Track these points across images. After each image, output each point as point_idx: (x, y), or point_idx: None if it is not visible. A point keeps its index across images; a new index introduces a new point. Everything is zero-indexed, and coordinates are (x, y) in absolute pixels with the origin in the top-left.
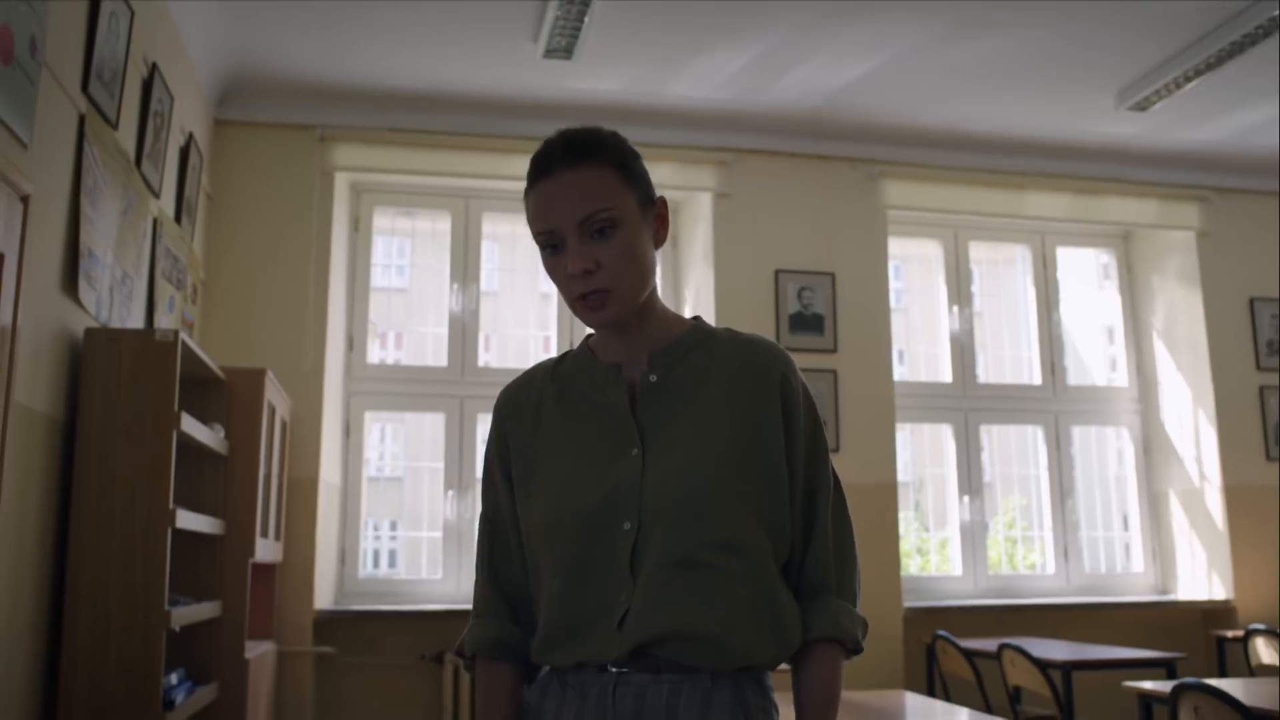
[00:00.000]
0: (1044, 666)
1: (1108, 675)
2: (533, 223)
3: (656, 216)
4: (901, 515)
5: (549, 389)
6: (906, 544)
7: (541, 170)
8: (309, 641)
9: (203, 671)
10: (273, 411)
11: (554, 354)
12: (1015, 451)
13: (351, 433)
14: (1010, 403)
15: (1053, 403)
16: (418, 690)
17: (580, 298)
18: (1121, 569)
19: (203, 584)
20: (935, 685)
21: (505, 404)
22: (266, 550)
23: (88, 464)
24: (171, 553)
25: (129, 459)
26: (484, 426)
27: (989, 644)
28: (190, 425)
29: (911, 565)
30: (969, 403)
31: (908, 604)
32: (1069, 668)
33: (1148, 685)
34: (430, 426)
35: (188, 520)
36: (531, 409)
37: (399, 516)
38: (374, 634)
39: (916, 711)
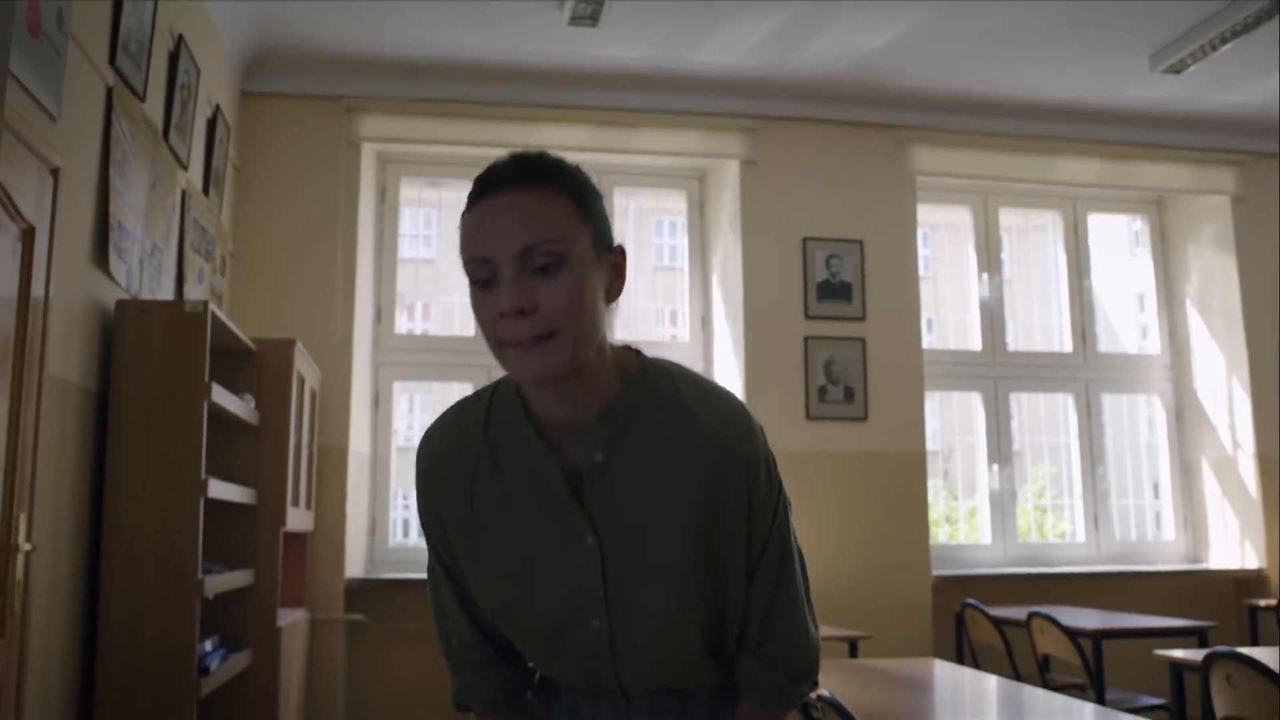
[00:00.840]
0: (1074, 635)
1: (1138, 644)
2: (463, 249)
3: (612, 266)
4: (930, 484)
5: (483, 460)
6: (935, 512)
7: (482, 189)
8: (340, 609)
9: (236, 639)
10: (302, 382)
11: None
12: (1045, 419)
13: (380, 403)
14: (1040, 370)
15: (1083, 370)
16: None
17: (508, 344)
18: (1152, 537)
19: (235, 553)
20: (964, 653)
21: (434, 471)
22: (298, 519)
23: (120, 435)
24: (204, 522)
25: (161, 429)
26: None
27: (1018, 612)
28: (221, 396)
29: (940, 534)
30: (998, 371)
31: (936, 572)
32: (1099, 636)
33: (1178, 654)
34: (458, 396)
35: (220, 490)
36: (465, 484)
37: None
38: (405, 602)
39: (945, 679)
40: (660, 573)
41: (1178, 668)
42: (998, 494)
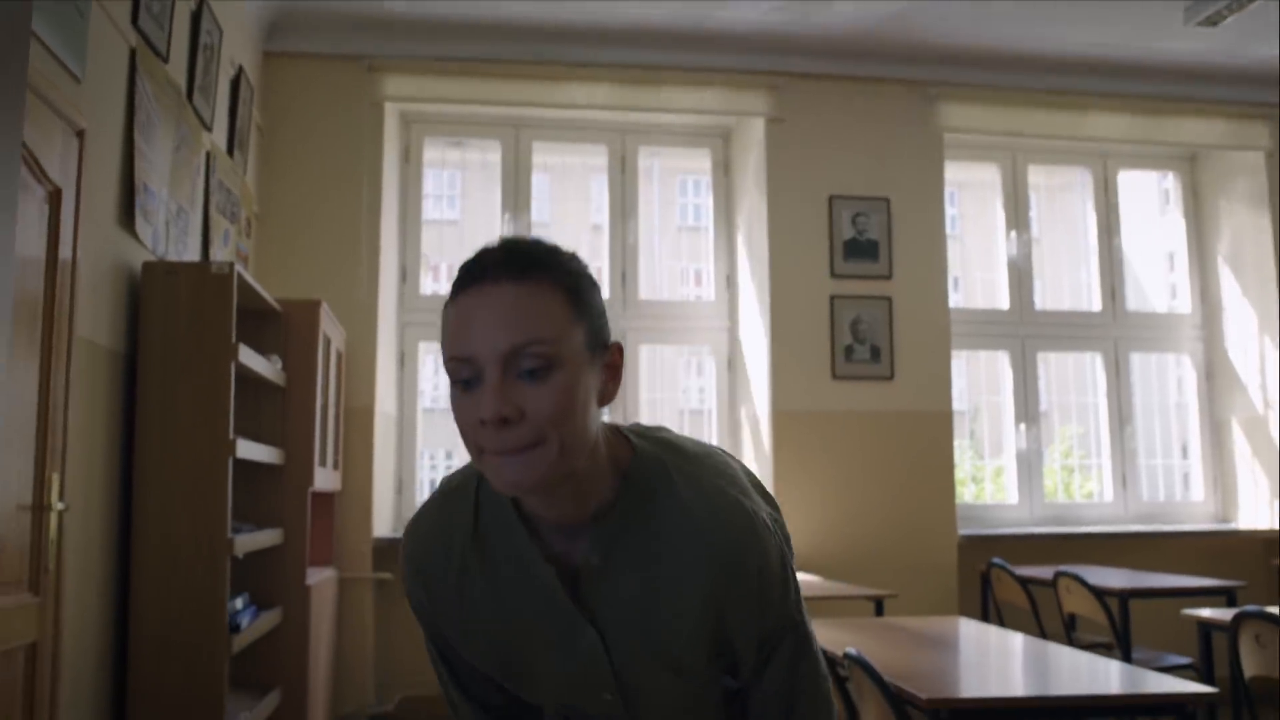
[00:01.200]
0: (1100, 594)
1: (1166, 603)
2: (446, 344)
3: (607, 365)
4: (956, 444)
5: (471, 558)
6: (961, 472)
7: (469, 279)
8: (369, 568)
9: (266, 597)
10: (328, 342)
11: (604, 291)
12: (1073, 379)
13: (406, 363)
14: (1069, 330)
15: (1112, 329)
16: None
17: (491, 453)
18: (1181, 498)
19: (264, 512)
20: (989, 613)
21: (421, 562)
22: (325, 479)
23: (149, 396)
24: (233, 482)
25: (189, 390)
26: None
27: (1045, 571)
28: (248, 356)
29: (966, 494)
30: (1026, 329)
31: (962, 532)
32: (1126, 595)
33: (1206, 613)
34: None
35: (248, 450)
36: (454, 578)
37: (454, 447)
38: None
39: (971, 637)
40: (669, 669)
41: (1206, 627)
42: (1024, 454)
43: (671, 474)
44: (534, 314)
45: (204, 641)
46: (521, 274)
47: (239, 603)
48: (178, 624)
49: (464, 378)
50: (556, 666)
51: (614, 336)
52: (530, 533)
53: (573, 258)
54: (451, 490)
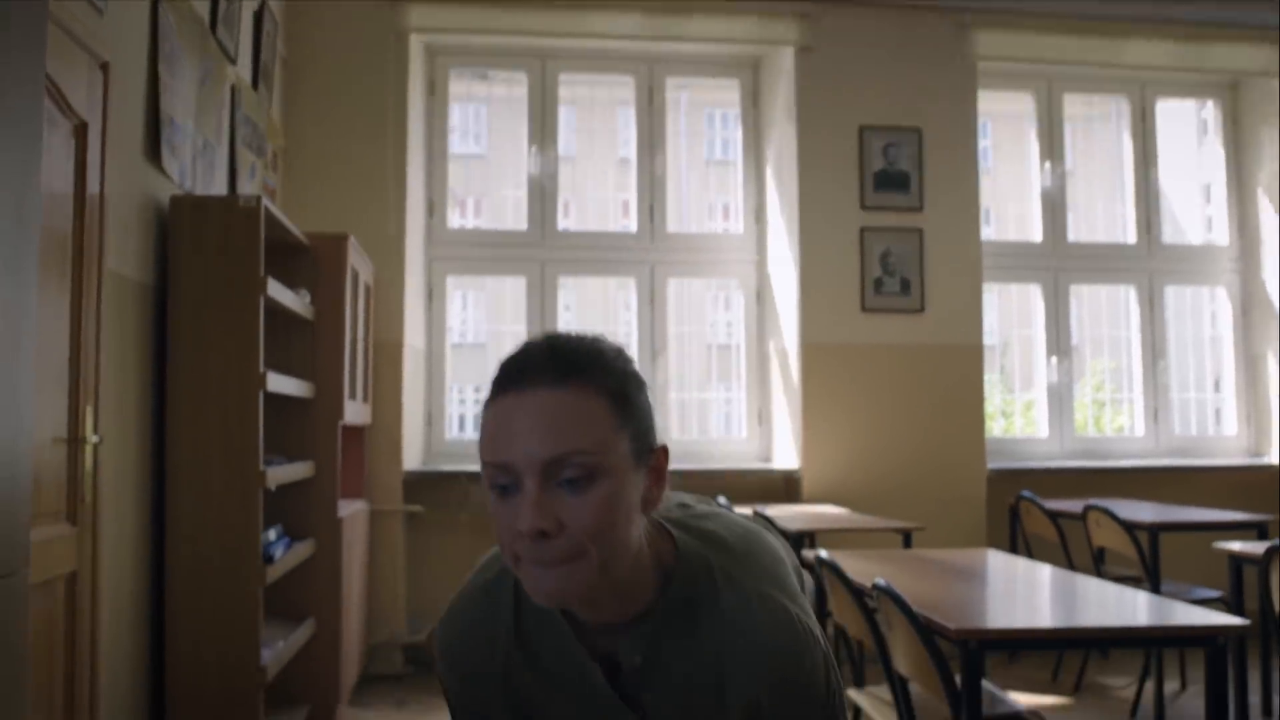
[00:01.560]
0: (1130, 528)
1: (1196, 538)
2: (484, 448)
3: (651, 469)
4: (986, 378)
5: (515, 656)
6: (991, 406)
7: (509, 381)
8: (399, 501)
9: (299, 529)
10: (356, 276)
11: (631, 224)
12: (1106, 312)
13: (434, 297)
14: (1102, 262)
15: (1147, 261)
16: None
17: (528, 561)
18: (1213, 433)
19: (295, 446)
20: (1018, 546)
21: (461, 659)
22: (355, 412)
23: (179, 329)
24: (264, 415)
25: (219, 324)
26: (565, 290)
27: (1074, 505)
28: (276, 290)
29: (995, 428)
30: (1059, 262)
31: (992, 465)
32: (1156, 529)
33: (1237, 546)
34: (511, 291)
35: (278, 384)
36: (498, 674)
37: (482, 382)
38: (461, 494)
39: (999, 568)
40: None
41: (1237, 561)
42: (1055, 387)
43: (715, 575)
44: (576, 423)
45: (238, 571)
46: (564, 379)
47: (272, 534)
48: (212, 555)
49: (501, 484)
50: None
51: (645, 275)
52: (574, 630)
53: (618, 355)
54: (489, 585)
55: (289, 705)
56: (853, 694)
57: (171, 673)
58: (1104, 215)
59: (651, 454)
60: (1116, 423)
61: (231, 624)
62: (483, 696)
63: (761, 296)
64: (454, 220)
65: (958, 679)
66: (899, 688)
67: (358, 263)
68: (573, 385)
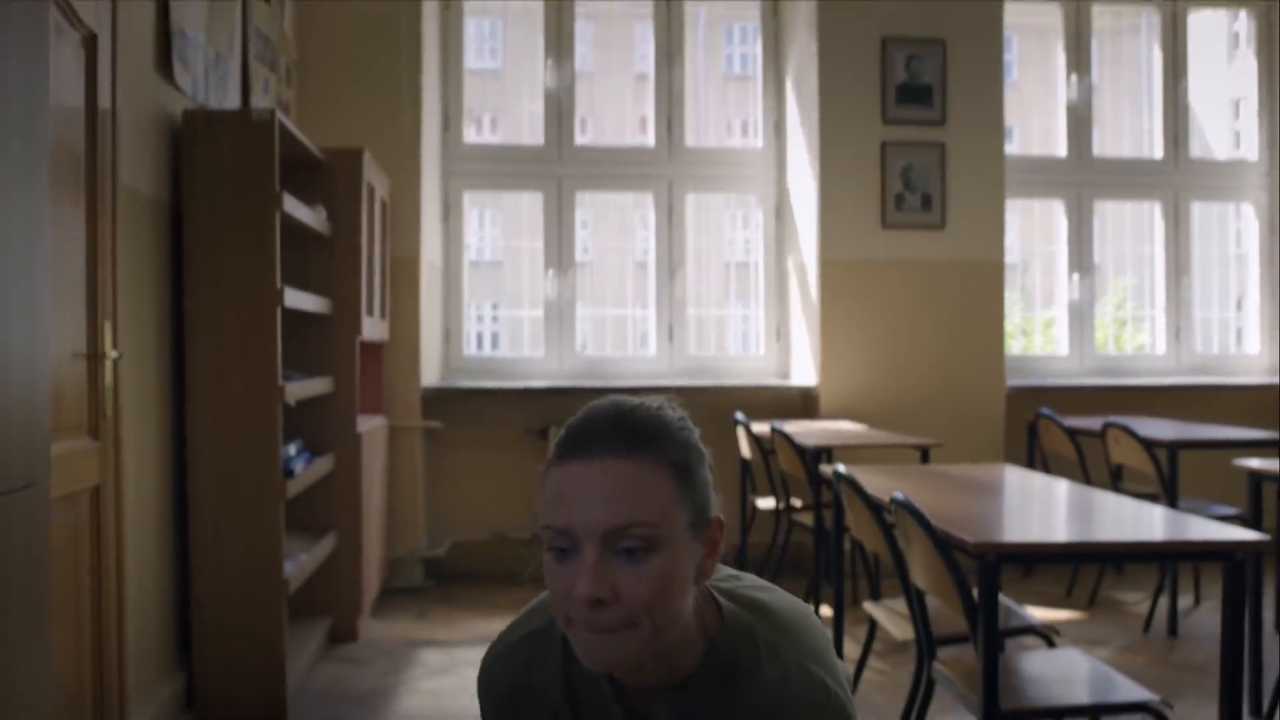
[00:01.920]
0: (1149, 445)
1: (1215, 456)
2: (545, 511)
3: (707, 540)
4: (1006, 295)
5: (564, 709)
6: (1010, 324)
7: (575, 448)
8: (418, 416)
9: (319, 444)
10: (372, 192)
11: (649, 139)
12: (1130, 229)
13: (451, 213)
14: (1128, 177)
15: (1174, 177)
16: (523, 462)
17: (578, 625)
18: (1235, 351)
19: (314, 362)
20: (1035, 463)
21: (505, 704)
22: (373, 329)
23: (195, 245)
24: (282, 332)
25: (235, 239)
26: (583, 207)
27: (1093, 423)
28: (292, 206)
29: (1015, 346)
30: (1083, 177)
31: (1011, 383)
32: (1175, 446)
33: (1256, 463)
34: (528, 207)
35: (295, 299)
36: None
37: (499, 299)
38: (479, 410)
39: (1015, 483)
40: None
41: (1256, 478)
42: (1076, 305)
43: (759, 644)
44: (638, 495)
45: (260, 485)
46: (630, 451)
47: (292, 449)
48: (234, 469)
49: (560, 546)
50: None
51: (663, 191)
52: (614, 693)
53: (682, 427)
54: (540, 634)
55: (312, 617)
56: (868, 607)
57: (196, 585)
58: (1130, 130)
59: (708, 526)
60: (1137, 341)
61: (254, 537)
62: None
63: (780, 212)
64: (470, 136)
65: (975, 593)
66: (915, 601)
67: (373, 178)
68: (637, 457)
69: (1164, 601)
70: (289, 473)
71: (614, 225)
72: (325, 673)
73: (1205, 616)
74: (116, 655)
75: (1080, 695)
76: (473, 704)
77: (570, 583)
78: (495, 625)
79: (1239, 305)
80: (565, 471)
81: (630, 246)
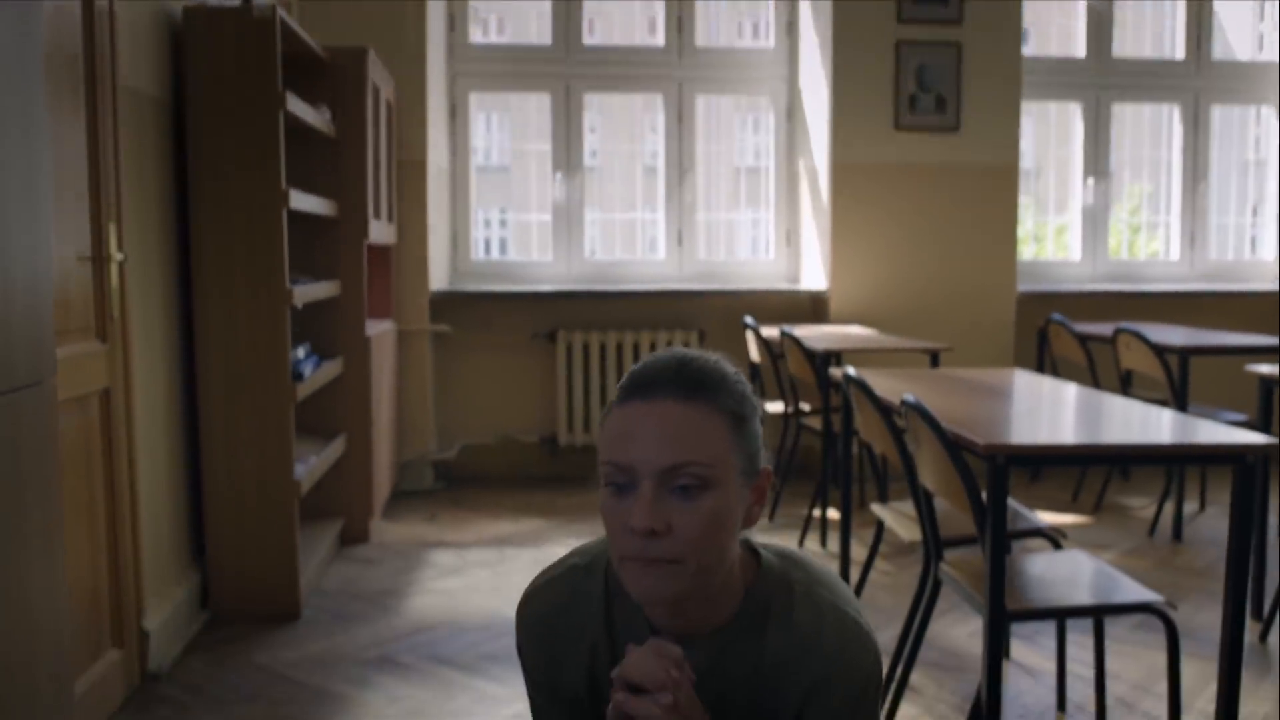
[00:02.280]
0: (1160, 351)
1: (1227, 363)
2: (605, 447)
3: (755, 488)
4: (1020, 201)
5: (602, 643)
6: (1022, 231)
7: (639, 389)
8: (426, 321)
9: (328, 348)
10: (377, 93)
11: (658, 39)
12: (1148, 133)
13: (457, 115)
14: (1147, 79)
15: (1194, 79)
16: (532, 366)
17: (632, 559)
18: (1249, 258)
19: (321, 265)
20: (1045, 369)
21: (550, 633)
22: (380, 232)
23: (198, 145)
24: (289, 235)
25: (238, 140)
26: (591, 110)
27: (1104, 329)
28: (295, 105)
29: (1027, 252)
30: (1101, 79)
31: (1022, 288)
32: (1186, 353)
33: (1267, 368)
34: (536, 110)
35: (301, 201)
36: (585, 658)
37: (507, 204)
38: (488, 314)
39: (1025, 387)
40: None
41: (1267, 383)
42: (1090, 209)
43: (794, 589)
44: (695, 437)
45: (269, 388)
46: (690, 395)
47: (300, 352)
48: (243, 372)
49: (618, 483)
50: None
51: (673, 92)
52: (654, 634)
53: (738, 379)
54: (583, 570)
55: (324, 519)
56: (876, 509)
57: (208, 486)
58: (1151, 30)
59: (757, 475)
60: (1151, 247)
61: (264, 439)
62: (567, 680)
63: (792, 114)
64: (476, 36)
65: (983, 495)
66: (923, 502)
67: (378, 78)
68: (696, 402)
69: (1169, 507)
70: (298, 376)
71: (622, 129)
72: (338, 573)
73: (1210, 521)
74: (132, 555)
75: (1085, 596)
76: (483, 603)
77: (627, 516)
78: (505, 528)
79: (1255, 212)
80: (627, 412)
81: (639, 150)
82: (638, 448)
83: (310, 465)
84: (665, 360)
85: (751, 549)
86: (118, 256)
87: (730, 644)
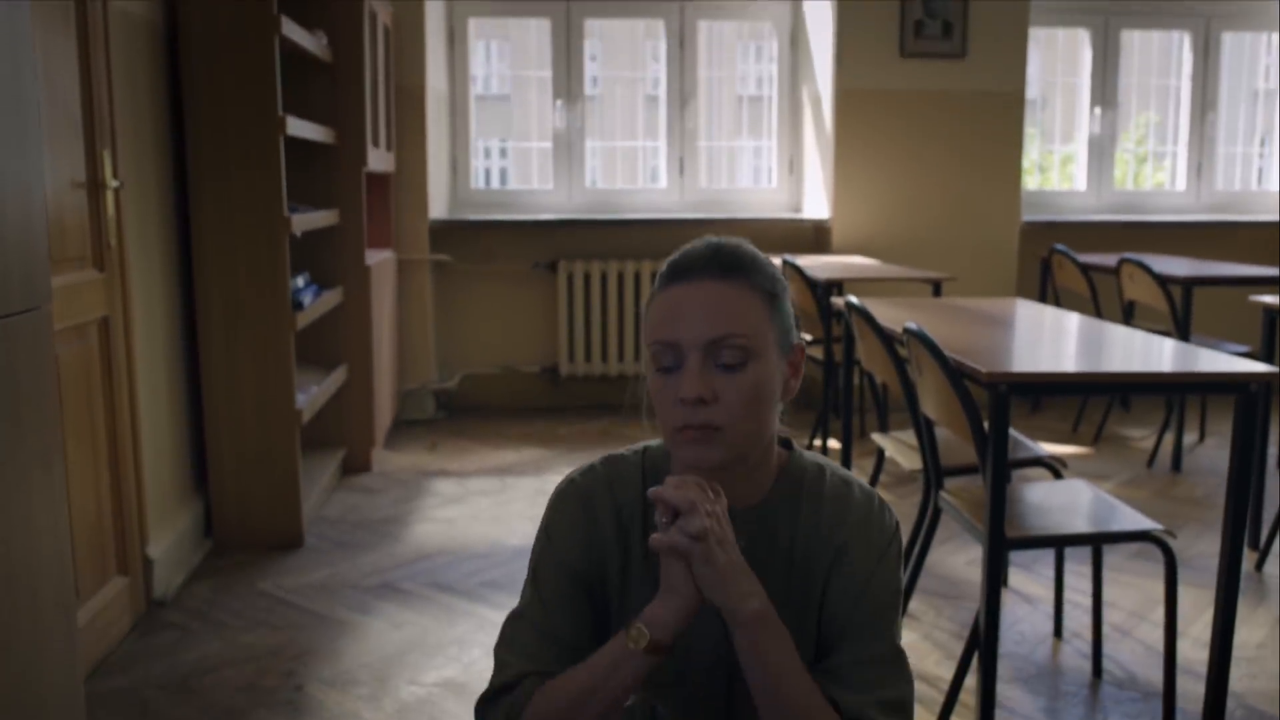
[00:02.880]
0: (1164, 281)
1: (1231, 295)
2: (652, 330)
3: (791, 363)
4: (1026, 131)
5: (637, 522)
6: (1028, 161)
7: (679, 274)
8: (426, 249)
9: (327, 277)
10: (374, 17)
11: None
12: (1156, 62)
13: (456, 41)
14: (1158, 5)
15: (1205, 4)
16: (533, 296)
17: (684, 428)
18: (1256, 188)
19: (320, 194)
20: (1047, 299)
21: (586, 509)
22: (379, 160)
23: (192, 70)
24: (286, 163)
25: (233, 66)
26: (592, 38)
27: (1108, 259)
28: (291, 30)
29: (1031, 183)
30: (1111, 5)
31: (1026, 218)
32: (1190, 283)
33: (1271, 299)
34: (536, 36)
35: (298, 128)
36: (621, 538)
37: (508, 134)
38: (488, 244)
39: (1028, 317)
40: None
41: (1270, 314)
42: (1097, 139)
43: (823, 468)
44: (736, 311)
45: (269, 316)
46: (726, 274)
47: (300, 281)
48: (242, 300)
49: (667, 364)
50: (681, 646)
51: (674, 16)
52: None
53: (768, 261)
54: (619, 457)
55: (326, 448)
56: (877, 438)
57: (209, 415)
58: None
59: (792, 350)
60: (1157, 178)
61: (265, 368)
62: (594, 560)
63: (796, 40)
64: None
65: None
66: (925, 431)
67: (375, 2)
68: (734, 280)
69: (1169, 438)
70: (298, 305)
71: (624, 56)
72: (340, 501)
73: (1209, 452)
74: (134, 484)
75: (1083, 524)
76: (484, 531)
77: (675, 390)
78: (506, 457)
79: (1263, 142)
80: (669, 294)
81: (640, 78)
82: (683, 325)
83: (311, 394)
84: (700, 247)
85: (783, 439)
86: (113, 183)
87: (767, 519)
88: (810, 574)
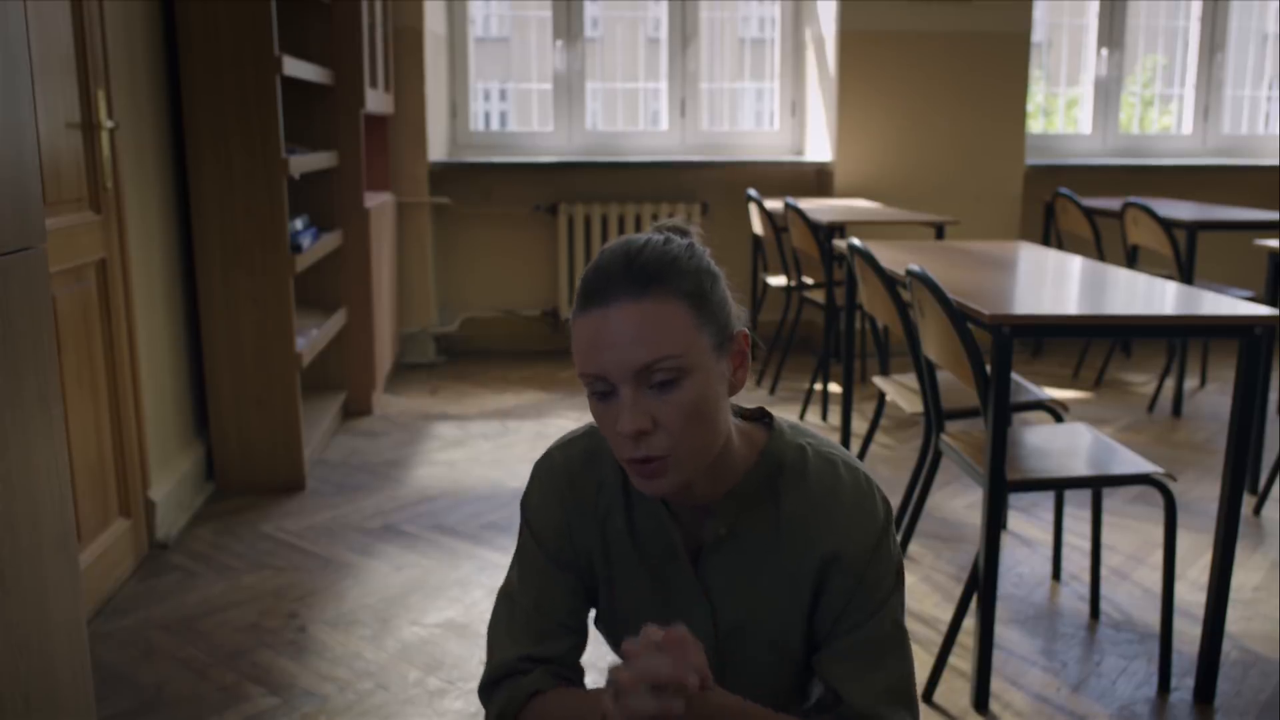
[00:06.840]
0: (1168, 225)
1: (1237, 240)
2: (578, 360)
3: (734, 355)
4: (1031, 74)
5: (616, 507)
6: (1032, 104)
7: (593, 297)
8: (425, 192)
9: (326, 220)
10: None
11: None
12: (1165, 3)
13: None
14: None
15: None
16: (533, 238)
17: (629, 461)
18: (1263, 132)
19: (318, 136)
20: (1051, 243)
21: (570, 488)
22: (377, 101)
23: (186, 10)
24: (284, 104)
25: (228, 4)
26: None
27: (1112, 203)
28: None
29: (1035, 126)
30: None
31: (1030, 162)
32: (1194, 227)
33: (1276, 244)
34: None
35: (295, 68)
36: (600, 522)
37: (507, 76)
38: (488, 186)
39: (1031, 260)
40: (770, 649)
41: (1276, 258)
42: (1103, 81)
43: (806, 450)
44: (660, 331)
45: (267, 259)
46: (644, 288)
47: (299, 223)
48: (240, 243)
49: (599, 390)
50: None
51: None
52: (667, 506)
53: (690, 255)
54: (595, 435)
55: (327, 391)
56: (878, 381)
57: (209, 359)
58: None
59: (732, 341)
60: (1163, 121)
61: (264, 311)
62: (577, 538)
63: None
64: None
65: (988, 367)
66: (926, 373)
67: None
68: (651, 295)
69: (1170, 383)
70: (296, 248)
71: None
72: (341, 444)
73: (1210, 397)
74: (135, 426)
75: (1083, 467)
76: (485, 474)
77: (614, 420)
78: (507, 400)
79: (1271, 85)
80: (588, 321)
81: (641, 18)
82: (607, 355)
83: (311, 338)
84: (612, 257)
85: (763, 413)
86: (108, 124)
87: (747, 504)
88: (797, 575)
